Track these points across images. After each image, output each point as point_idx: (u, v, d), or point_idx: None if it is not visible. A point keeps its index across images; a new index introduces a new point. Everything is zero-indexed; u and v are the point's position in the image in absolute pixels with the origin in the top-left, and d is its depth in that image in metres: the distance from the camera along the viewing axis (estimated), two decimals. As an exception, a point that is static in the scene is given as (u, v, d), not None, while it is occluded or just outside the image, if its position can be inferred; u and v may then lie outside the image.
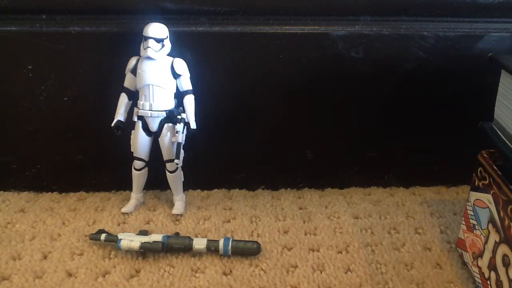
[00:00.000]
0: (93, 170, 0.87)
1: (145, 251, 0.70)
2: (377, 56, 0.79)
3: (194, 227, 0.77)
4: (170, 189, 0.83)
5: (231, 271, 0.68)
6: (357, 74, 0.80)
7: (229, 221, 0.79)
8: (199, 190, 0.88)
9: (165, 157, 0.78)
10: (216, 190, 0.89)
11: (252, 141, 0.85)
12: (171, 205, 0.82)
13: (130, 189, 0.84)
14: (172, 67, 0.74)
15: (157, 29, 0.72)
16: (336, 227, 0.77)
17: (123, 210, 0.81)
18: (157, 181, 0.84)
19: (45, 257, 0.70)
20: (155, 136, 0.78)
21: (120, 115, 0.76)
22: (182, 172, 0.81)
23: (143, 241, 0.69)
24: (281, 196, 0.86)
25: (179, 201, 0.82)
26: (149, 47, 0.72)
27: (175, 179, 0.80)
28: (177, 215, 0.80)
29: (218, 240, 0.70)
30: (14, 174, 0.87)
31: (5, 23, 0.75)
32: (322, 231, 0.76)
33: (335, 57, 0.79)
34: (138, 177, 0.81)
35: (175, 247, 0.70)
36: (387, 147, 0.87)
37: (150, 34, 0.72)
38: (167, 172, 0.80)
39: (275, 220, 0.79)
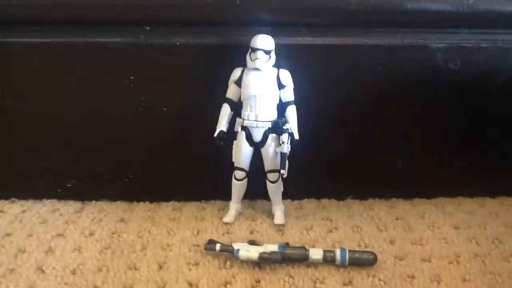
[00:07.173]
0: (186, 180, 0.87)
1: (263, 261, 0.70)
2: (474, 68, 0.80)
3: (300, 237, 0.77)
4: (260, 199, 0.83)
5: (350, 282, 0.68)
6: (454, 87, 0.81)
7: (331, 231, 0.79)
8: (289, 200, 0.88)
9: (267, 168, 0.79)
10: (306, 200, 0.89)
11: (343, 152, 0.85)
12: (268, 214, 0.83)
13: (221, 199, 0.85)
14: (278, 78, 0.75)
15: (265, 41, 0.73)
16: (440, 237, 0.78)
17: (225, 220, 0.81)
18: (248, 191, 0.84)
19: (160, 267, 0.70)
20: (256, 146, 0.78)
21: (223, 125, 0.77)
22: (282, 183, 0.81)
23: (260, 252, 0.69)
24: (374, 206, 0.87)
25: (279, 211, 0.82)
26: (257, 58, 0.73)
27: (276, 189, 0.81)
28: (280, 225, 0.80)
29: (334, 250, 0.70)
30: (106, 185, 0.87)
31: (110, 35, 0.77)
32: (428, 242, 0.76)
33: (432, 70, 0.80)
34: (240, 187, 0.81)
35: (292, 257, 0.70)
36: (475, 157, 0.88)
37: (259, 46, 0.73)
38: (268, 183, 0.80)
39: (377, 230, 0.79)
